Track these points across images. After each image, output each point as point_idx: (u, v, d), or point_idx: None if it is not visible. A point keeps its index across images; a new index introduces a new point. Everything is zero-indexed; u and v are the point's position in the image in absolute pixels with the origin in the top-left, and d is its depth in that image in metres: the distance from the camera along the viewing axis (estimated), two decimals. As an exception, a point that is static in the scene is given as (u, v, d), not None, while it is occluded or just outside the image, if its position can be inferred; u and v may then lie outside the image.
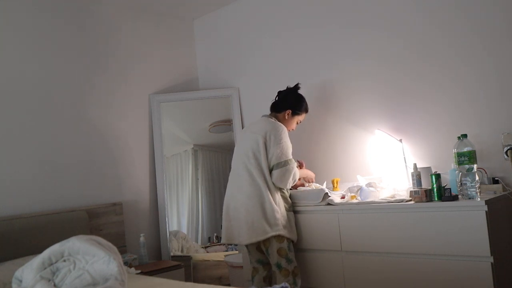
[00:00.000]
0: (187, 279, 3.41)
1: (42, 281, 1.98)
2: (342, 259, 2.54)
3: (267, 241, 2.58)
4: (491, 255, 2.05)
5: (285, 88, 2.88)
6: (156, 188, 3.73)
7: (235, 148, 2.85)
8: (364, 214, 2.46)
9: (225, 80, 3.96)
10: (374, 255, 2.42)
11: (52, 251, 2.08)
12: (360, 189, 2.61)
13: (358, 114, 3.08)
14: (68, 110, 3.30)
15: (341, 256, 2.55)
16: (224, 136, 3.88)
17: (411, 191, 2.37)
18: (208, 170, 3.92)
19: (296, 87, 2.86)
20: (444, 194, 2.25)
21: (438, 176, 2.29)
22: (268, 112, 2.86)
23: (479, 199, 2.15)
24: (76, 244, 2.08)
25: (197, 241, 3.79)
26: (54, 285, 2.00)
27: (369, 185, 2.59)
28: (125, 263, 2.93)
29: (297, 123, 2.89)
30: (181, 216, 3.81)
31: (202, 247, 3.76)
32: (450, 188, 2.27)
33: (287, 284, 1.78)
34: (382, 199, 2.50)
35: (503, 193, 2.32)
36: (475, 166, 2.22)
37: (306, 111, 2.88)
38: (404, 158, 2.77)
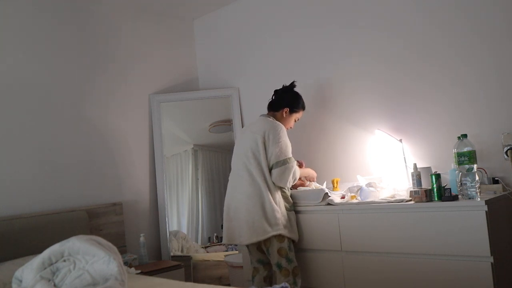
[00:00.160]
0: (187, 279, 3.41)
1: (42, 281, 1.98)
2: (342, 259, 2.54)
3: (267, 240, 2.58)
4: (491, 255, 2.05)
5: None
6: (156, 188, 3.73)
7: (234, 149, 2.85)
8: (364, 214, 2.46)
9: (225, 80, 3.96)
10: (374, 255, 2.42)
11: (52, 251, 2.08)
12: (360, 189, 2.61)
13: (358, 114, 3.08)
14: (68, 110, 3.30)
15: (341, 256, 2.55)
16: (224, 136, 3.88)
17: (411, 191, 2.36)
18: (208, 170, 3.92)
19: (292, 85, 2.87)
20: (444, 194, 2.25)
21: (438, 176, 2.29)
22: (266, 111, 2.86)
23: (479, 199, 2.15)
24: (76, 244, 2.08)
25: (197, 241, 3.79)
26: (54, 285, 2.00)
27: (369, 185, 2.59)
28: (125, 263, 2.93)
29: (295, 120, 2.89)
30: (181, 216, 3.81)
31: (202, 247, 3.76)
32: (450, 188, 2.27)
33: (287, 284, 1.79)
34: (382, 199, 2.50)
35: (503, 193, 2.32)
36: (475, 166, 2.22)
37: (303, 108, 2.89)
38: (404, 158, 2.77)
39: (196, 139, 3.92)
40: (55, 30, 3.30)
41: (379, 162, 2.96)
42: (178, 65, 4.07)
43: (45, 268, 2.05)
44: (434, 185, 2.28)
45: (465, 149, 2.23)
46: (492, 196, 2.23)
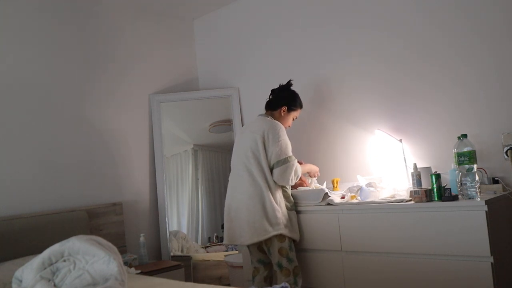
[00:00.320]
0: (187, 279, 3.42)
1: (42, 281, 1.98)
2: (342, 259, 2.54)
3: (268, 240, 2.58)
4: (491, 255, 2.05)
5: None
6: (156, 188, 3.73)
7: (234, 149, 2.84)
8: (364, 214, 2.46)
9: (225, 80, 3.96)
10: (374, 255, 2.42)
11: (52, 251, 2.08)
12: (360, 189, 2.61)
13: (358, 114, 3.08)
14: (68, 110, 3.30)
15: (341, 256, 2.55)
16: (224, 136, 3.88)
17: (411, 191, 2.36)
18: (208, 170, 3.92)
19: (289, 83, 2.88)
20: (444, 194, 2.25)
21: (438, 176, 2.29)
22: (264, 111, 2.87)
23: (479, 199, 2.15)
24: (76, 244, 2.08)
25: (197, 241, 3.79)
26: (54, 285, 2.00)
27: (369, 185, 2.59)
28: (125, 263, 2.93)
29: (293, 119, 2.90)
30: (181, 216, 3.81)
31: (202, 247, 3.76)
32: (450, 188, 2.27)
33: (287, 284, 1.79)
34: (382, 199, 2.50)
35: (503, 193, 2.32)
36: (475, 166, 2.22)
37: (301, 106, 2.90)
38: (404, 158, 2.77)
39: (196, 139, 3.92)
40: (55, 30, 3.30)
41: (379, 162, 2.96)
42: (178, 65, 4.07)
43: (45, 268, 2.05)
44: (434, 185, 2.28)
45: (465, 149, 2.23)
46: (492, 196, 2.23)
